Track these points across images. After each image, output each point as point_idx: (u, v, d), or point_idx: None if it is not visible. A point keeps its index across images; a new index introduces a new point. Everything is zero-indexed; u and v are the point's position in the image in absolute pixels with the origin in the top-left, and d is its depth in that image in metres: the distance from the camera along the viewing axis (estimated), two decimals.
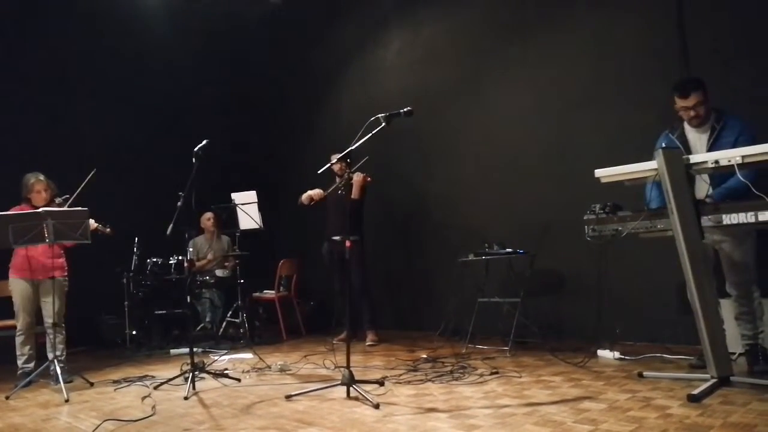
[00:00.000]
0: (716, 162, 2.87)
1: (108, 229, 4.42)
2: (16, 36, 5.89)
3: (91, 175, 4.25)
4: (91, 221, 4.23)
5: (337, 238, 5.06)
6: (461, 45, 5.69)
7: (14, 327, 4.38)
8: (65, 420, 3.16)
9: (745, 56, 3.91)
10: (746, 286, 3.33)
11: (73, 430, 2.93)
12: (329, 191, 5.23)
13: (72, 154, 5.79)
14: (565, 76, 4.87)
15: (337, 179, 5.40)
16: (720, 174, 3.13)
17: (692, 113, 3.33)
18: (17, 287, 4.23)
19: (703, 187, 3.30)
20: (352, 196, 5.22)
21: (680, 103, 3.34)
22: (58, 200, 4.30)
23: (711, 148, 3.25)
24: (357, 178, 5.22)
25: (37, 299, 4.27)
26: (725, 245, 3.31)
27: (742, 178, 2.80)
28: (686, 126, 3.42)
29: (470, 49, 5.60)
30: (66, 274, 4.35)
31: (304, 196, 5.45)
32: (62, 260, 4.35)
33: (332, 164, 4.11)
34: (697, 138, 3.38)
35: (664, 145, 3.41)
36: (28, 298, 4.24)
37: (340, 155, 3.63)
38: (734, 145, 3.10)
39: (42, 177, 4.29)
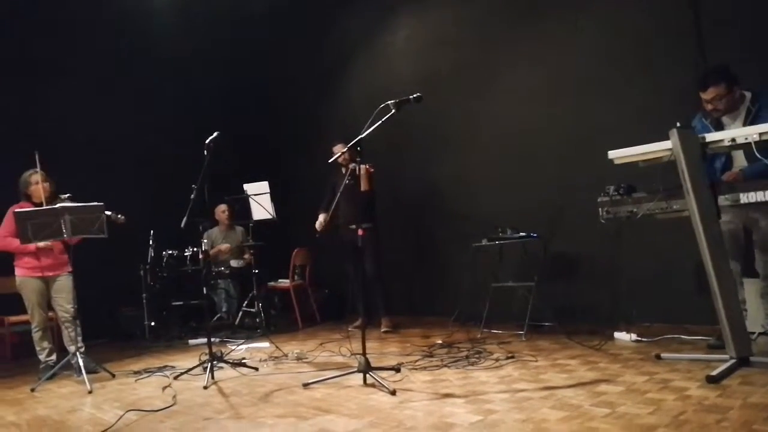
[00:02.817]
0: (733, 140, 2.83)
1: (121, 217, 4.39)
2: (18, 31, 5.89)
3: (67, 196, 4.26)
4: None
5: (352, 226, 5.06)
6: (470, 29, 5.62)
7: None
8: (89, 411, 3.22)
9: (763, 35, 3.82)
10: None
11: (97, 422, 2.99)
12: (334, 194, 5.22)
13: (84, 150, 5.85)
14: (575, 58, 4.79)
15: (342, 169, 5.38)
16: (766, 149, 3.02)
17: (710, 106, 3.26)
18: (28, 285, 4.27)
19: (739, 158, 3.23)
20: (362, 188, 5.15)
21: (701, 95, 3.26)
22: (62, 196, 4.29)
23: None
24: (361, 171, 5.11)
25: (48, 295, 4.33)
26: (761, 222, 3.24)
27: (758, 154, 2.75)
28: None
29: (479, 33, 5.54)
30: (71, 270, 4.31)
31: (318, 226, 5.48)
32: (66, 256, 4.36)
33: (343, 153, 4.07)
34: (731, 122, 3.27)
35: (699, 129, 3.29)
36: (41, 294, 4.29)
37: (350, 144, 3.60)
38: None
39: (39, 170, 4.27)
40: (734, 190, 2.93)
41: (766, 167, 3.00)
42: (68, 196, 4.29)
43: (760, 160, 3.03)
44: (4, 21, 5.74)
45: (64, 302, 4.29)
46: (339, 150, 5.07)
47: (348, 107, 6.67)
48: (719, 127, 3.29)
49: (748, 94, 3.25)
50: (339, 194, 5.16)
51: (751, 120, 3.17)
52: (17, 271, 4.29)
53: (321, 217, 5.48)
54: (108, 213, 4.26)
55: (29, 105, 5.79)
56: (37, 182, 4.26)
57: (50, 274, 4.30)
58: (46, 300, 4.33)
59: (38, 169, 4.27)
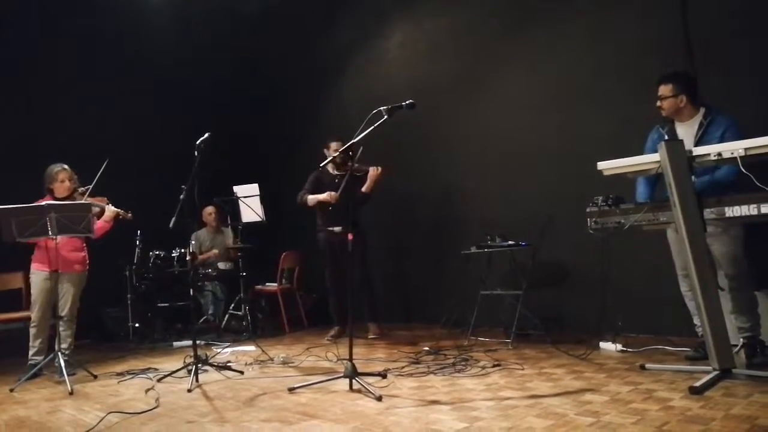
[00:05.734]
0: (719, 154, 2.87)
1: (129, 215, 4.44)
2: (16, 32, 5.87)
3: (105, 164, 4.30)
4: (112, 207, 4.37)
5: (337, 229, 5.00)
6: (463, 37, 5.66)
7: (19, 320, 4.42)
8: (70, 413, 3.18)
9: (748, 49, 3.88)
10: (740, 279, 3.30)
11: (78, 423, 2.95)
12: (339, 192, 4.90)
13: (74, 148, 5.77)
14: (567, 68, 4.85)
15: (330, 167, 5.18)
16: (700, 167, 3.13)
17: (658, 104, 3.45)
18: (37, 279, 4.24)
19: None
20: (365, 190, 5.07)
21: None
22: (81, 189, 4.31)
23: (698, 143, 3.27)
24: (374, 172, 5.04)
25: (55, 292, 4.25)
26: (714, 239, 3.28)
27: (743, 169, 2.79)
28: (676, 121, 3.45)
29: (472, 41, 5.57)
30: (86, 268, 4.35)
31: (313, 198, 5.16)
32: (83, 254, 4.37)
33: (337, 155, 3.93)
34: (684, 133, 3.39)
35: (655, 138, 3.47)
36: (47, 290, 4.22)
37: (343, 148, 3.59)
38: (720, 141, 3.14)
39: (66, 167, 4.30)
40: (720, 204, 2.96)
41: (707, 184, 3.18)
42: (87, 188, 4.31)
43: (704, 175, 3.24)
44: (5, 23, 5.74)
45: (63, 301, 4.24)
46: (337, 147, 4.99)
47: (340, 111, 6.67)
48: (674, 136, 3.38)
49: (702, 109, 3.37)
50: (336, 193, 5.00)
51: (702, 133, 3.30)
52: (32, 265, 4.28)
53: (328, 194, 5.02)
54: (116, 211, 4.36)
55: (20, 107, 5.75)
56: (63, 180, 4.26)
57: (59, 269, 4.19)
58: (51, 297, 4.23)
59: (65, 166, 4.29)
